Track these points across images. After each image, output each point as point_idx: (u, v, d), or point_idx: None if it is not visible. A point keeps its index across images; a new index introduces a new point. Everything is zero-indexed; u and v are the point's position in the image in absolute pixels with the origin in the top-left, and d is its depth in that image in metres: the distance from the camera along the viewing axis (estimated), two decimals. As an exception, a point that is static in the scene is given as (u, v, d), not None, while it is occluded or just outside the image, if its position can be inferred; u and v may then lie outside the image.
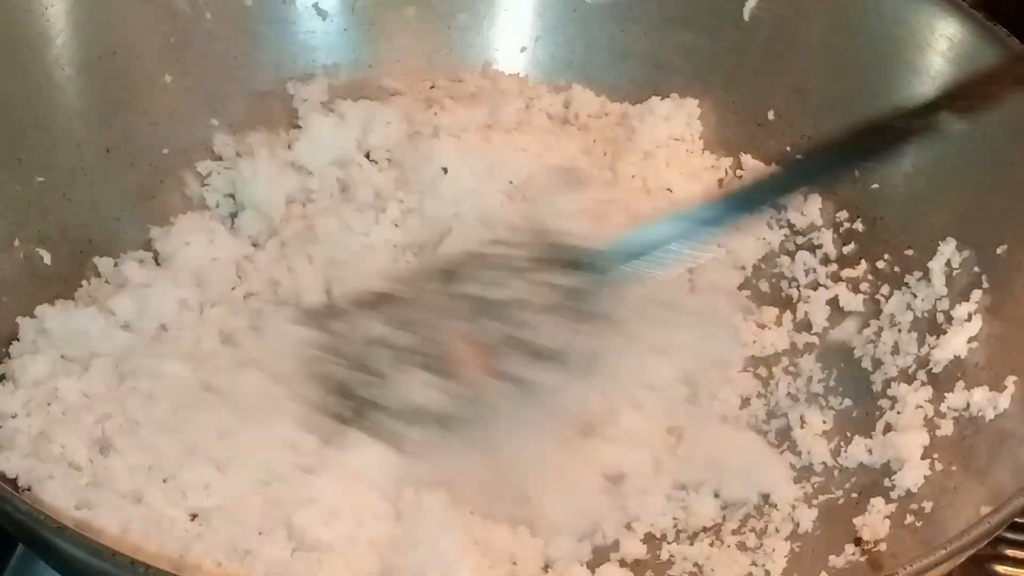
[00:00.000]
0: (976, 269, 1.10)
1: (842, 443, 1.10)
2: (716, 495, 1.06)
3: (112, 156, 1.17)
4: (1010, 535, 1.13)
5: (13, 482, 0.93)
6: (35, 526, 0.75)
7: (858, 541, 1.00)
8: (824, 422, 1.12)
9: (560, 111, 1.31)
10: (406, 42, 1.31)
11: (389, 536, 0.95)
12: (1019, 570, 1.12)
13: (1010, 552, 1.13)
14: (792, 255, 1.22)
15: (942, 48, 1.14)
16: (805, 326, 1.18)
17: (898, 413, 1.09)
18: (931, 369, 1.09)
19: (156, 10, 1.20)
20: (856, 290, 1.17)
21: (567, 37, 1.32)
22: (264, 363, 1.04)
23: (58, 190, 1.13)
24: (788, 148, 1.25)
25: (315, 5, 1.27)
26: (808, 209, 1.23)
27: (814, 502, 1.06)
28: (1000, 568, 1.12)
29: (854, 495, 1.05)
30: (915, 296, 1.13)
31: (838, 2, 1.21)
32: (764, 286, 1.22)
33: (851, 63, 1.20)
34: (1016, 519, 0.87)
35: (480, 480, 0.99)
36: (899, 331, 1.13)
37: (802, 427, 1.12)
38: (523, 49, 1.32)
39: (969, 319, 1.08)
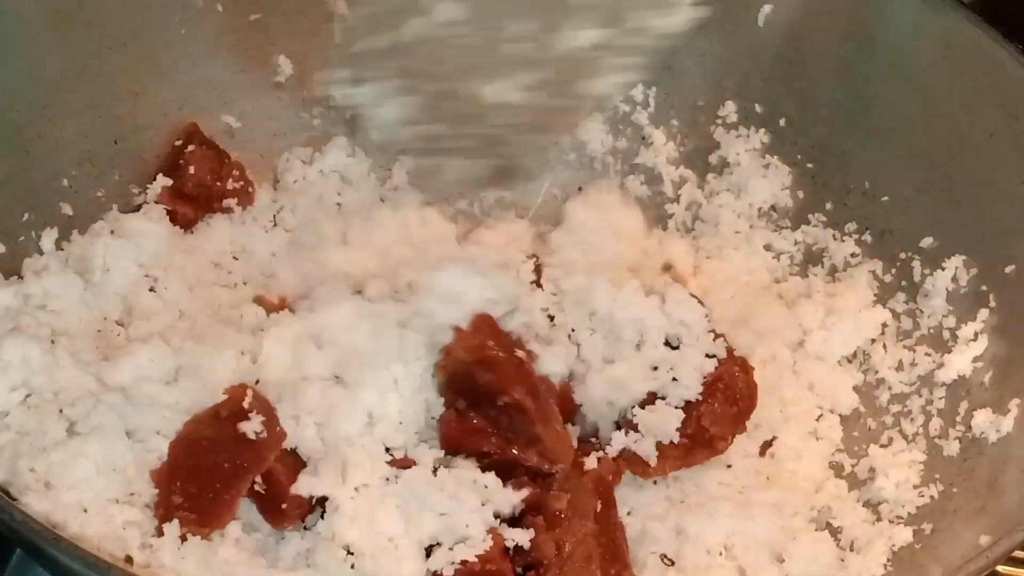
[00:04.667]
0: (984, 287, 1.09)
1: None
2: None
3: (120, 147, 1.17)
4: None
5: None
6: (31, 536, 0.75)
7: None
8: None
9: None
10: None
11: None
12: (1019, 570, 1.11)
13: (1010, 552, 1.13)
14: (803, 267, 1.22)
15: (954, 61, 1.14)
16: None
17: (901, 431, 1.09)
18: (935, 387, 1.09)
19: (167, 1, 1.19)
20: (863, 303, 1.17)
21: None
22: None
23: (64, 179, 1.13)
24: (799, 157, 1.24)
25: (328, -2, 1.26)
26: (817, 219, 1.23)
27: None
28: (1000, 568, 1.11)
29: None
30: (921, 312, 1.13)
31: (852, 10, 1.20)
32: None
33: (863, 73, 1.19)
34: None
35: None
36: (904, 347, 1.13)
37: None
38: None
39: (975, 338, 1.08)
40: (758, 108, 1.26)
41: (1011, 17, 1.17)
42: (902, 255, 1.16)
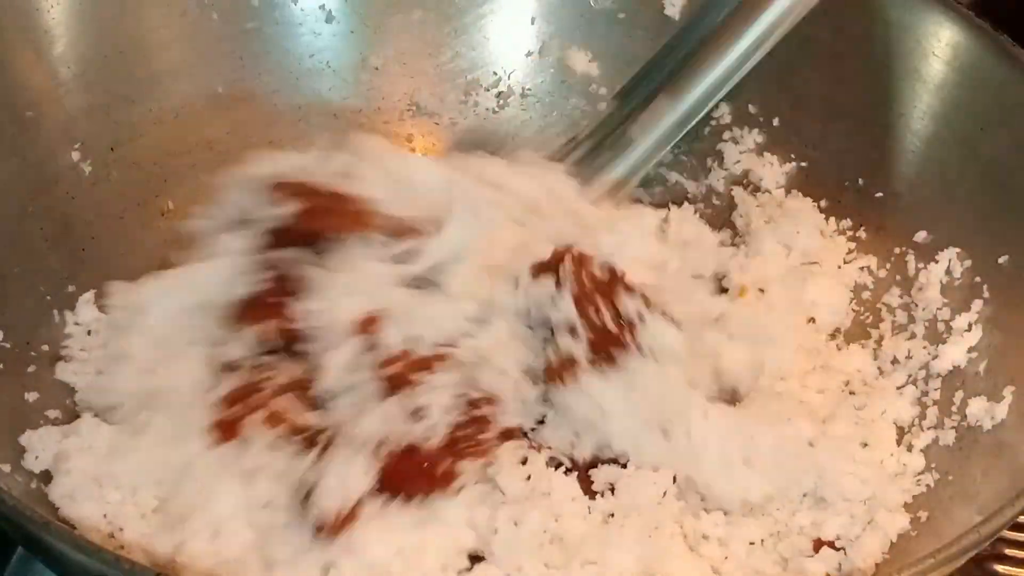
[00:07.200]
0: (977, 279, 1.09)
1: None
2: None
3: (116, 154, 1.18)
4: (1010, 535, 1.12)
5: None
6: (22, 522, 0.75)
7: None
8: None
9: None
10: (412, 45, 1.31)
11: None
12: (1019, 570, 1.12)
13: (1010, 552, 1.12)
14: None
15: (946, 56, 1.14)
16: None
17: (896, 422, 1.09)
18: (931, 379, 1.09)
19: (162, 10, 1.20)
20: (859, 299, 1.17)
21: (574, 42, 1.32)
22: None
23: (61, 188, 1.13)
24: (793, 156, 1.25)
25: (321, 6, 1.27)
26: (815, 218, 1.23)
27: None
28: (1000, 568, 1.11)
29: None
30: (916, 305, 1.13)
31: (845, 11, 1.20)
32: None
33: (856, 71, 1.20)
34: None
35: None
36: (900, 340, 1.13)
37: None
38: (528, 54, 1.32)
39: (969, 329, 1.08)
40: (751, 108, 1.27)
41: (1009, 15, 1.18)
42: (896, 250, 1.17)
